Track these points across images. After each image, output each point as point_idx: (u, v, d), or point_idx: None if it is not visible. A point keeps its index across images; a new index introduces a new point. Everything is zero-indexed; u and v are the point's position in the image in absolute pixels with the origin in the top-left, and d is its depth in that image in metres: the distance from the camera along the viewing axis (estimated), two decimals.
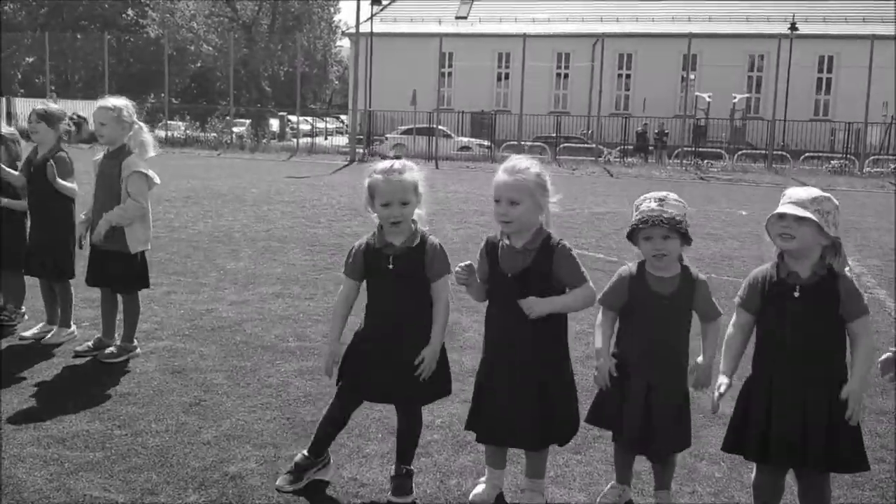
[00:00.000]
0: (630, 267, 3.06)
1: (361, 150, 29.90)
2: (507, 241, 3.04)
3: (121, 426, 3.72)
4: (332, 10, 47.17)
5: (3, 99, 35.29)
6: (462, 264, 3.03)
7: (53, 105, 5.28)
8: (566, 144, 32.32)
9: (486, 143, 33.55)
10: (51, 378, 4.39)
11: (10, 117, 33.53)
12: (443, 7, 49.53)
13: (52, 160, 4.84)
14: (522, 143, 31.15)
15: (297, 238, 9.59)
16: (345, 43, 58.36)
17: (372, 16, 38.64)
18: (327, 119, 53.25)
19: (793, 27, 34.79)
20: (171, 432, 3.67)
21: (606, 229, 11.50)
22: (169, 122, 37.90)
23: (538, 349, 2.98)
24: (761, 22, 43.80)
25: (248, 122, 39.71)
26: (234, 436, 3.66)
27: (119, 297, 4.84)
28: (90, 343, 4.85)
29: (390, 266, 3.06)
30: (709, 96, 36.93)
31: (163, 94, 57.49)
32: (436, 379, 3.15)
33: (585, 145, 32.51)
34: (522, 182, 2.94)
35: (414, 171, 3.12)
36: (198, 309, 5.99)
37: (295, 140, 33.57)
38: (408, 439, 3.24)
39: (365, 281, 3.17)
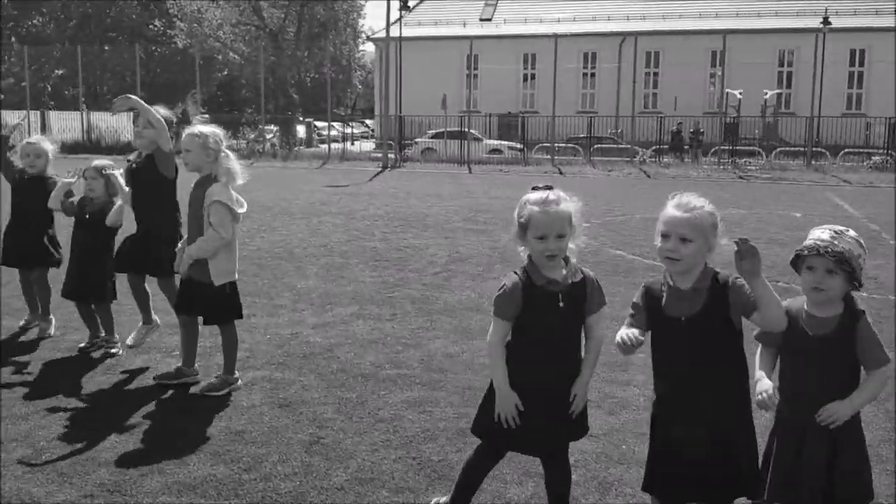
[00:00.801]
0: (791, 301, 2.86)
1: (393, 156, 29.78)
2: (670, 282, 2.85)
3: (247, 469, 3.59)
4: (357, 15, 47.12)
5: (39, 112, 35.58)
6: (631, 335, 2.77)
7: (163, 109, 5.20)
8: (599, 145, 31.98)
9: (517, 145, 33.32)
10: (156, 414, 4.27)
11: (45, 130, 33.83)
12: (467, 10, 49.39)
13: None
14: (556, 144, 30.91)
15: (358, 252, 9.46)
16: (368, 48, 58.44)
17: (399, 19, 38.51)
18: (353, 124, 53.29)
19: (825, 21, 34.21)
20: (300, 476, 3.53)
21: None
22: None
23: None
24: (791, 17, 43.22)
25: (275, 129, 39.79)
26: (366, 479, 3.52)
27: (199, 326, 4.80)
28: (172, 371, 4.78)
29: (560, 304, 2.89)
30: (740, 93, 36.44)
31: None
32: (581, 417, 2.99)
33: (618, 146, 32.18)
34: (697, 220, 2.76)
35: (569, 202, 2.95)
36: (282, 333, 5.87)
37: (326, 147, 33.54)
38: (565, 487, 3.07)
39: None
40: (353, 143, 42.80)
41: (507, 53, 45.91)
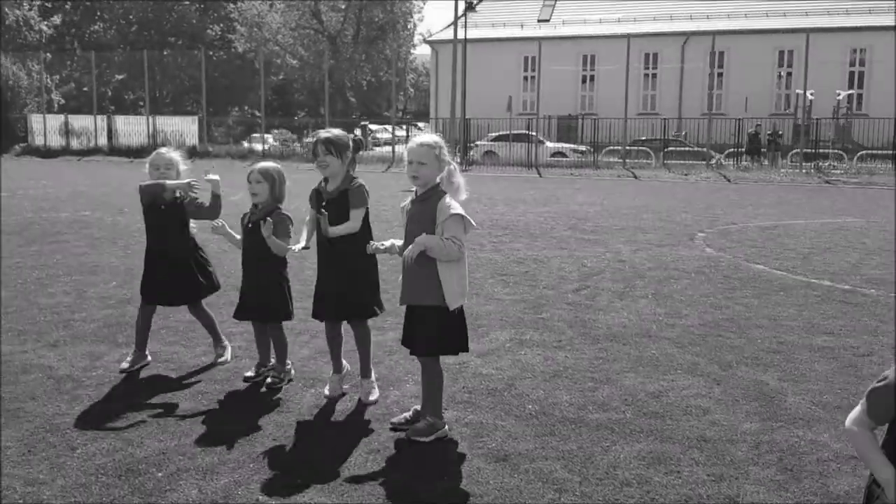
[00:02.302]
0: None
1: (459, 160, 29.20)
2: None
3: None
4: (415, 18, 46.76)
5: (105, 117, 35.80)
6: None
7: (337, 130, 4.63)
8: (671, 148, 30.98)
9: (580, 147, 32.49)
10: (367, 465, 3.68)
11: (112, 136, 34.02)
12: (524, 11, 48.69)
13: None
14: (627, 147, 30.01)
15: (480, 265, 8.81)
16: (419, 50, 58.04)
17: (456, 20, 37.92)
18: (404, 127, 52.95)
19: None
20: None
21: (798, 246, 10.40)
22: (255, 135, 38.02)
23: None
24: (863, 14, 41.66)
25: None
26: None
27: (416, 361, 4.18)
28: (407, 415, 4.18)
29: None
30: (811, 93, 35.10)
31: (246, 107, 58.32)
32: None
33: (689, 148, 31.16)
34: None
35: None
36: (448, 362, 5.22)
37: (389, 150, 33.18)
38: None
39: None
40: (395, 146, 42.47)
41: (566, 54, 45.04)
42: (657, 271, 8.55)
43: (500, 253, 9.74)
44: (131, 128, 34.25)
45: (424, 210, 3.91)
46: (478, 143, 33.58)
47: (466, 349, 4.09)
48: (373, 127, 45.58)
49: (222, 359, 5.21)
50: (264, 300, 4.75)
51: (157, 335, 5.60)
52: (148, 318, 5.11)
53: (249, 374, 4.88)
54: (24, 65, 38.25)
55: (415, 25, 47.07)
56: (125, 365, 5.00)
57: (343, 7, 41.77)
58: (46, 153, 33.53)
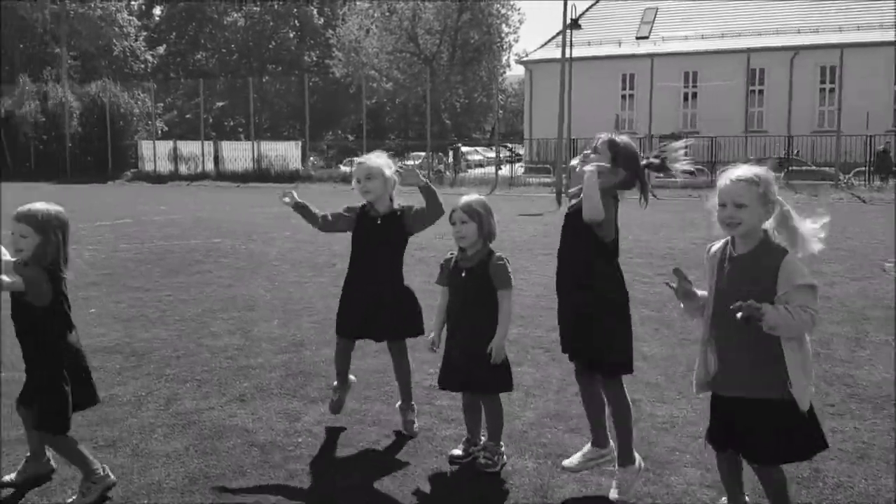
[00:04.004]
0: None
1: (565, 181, 28.26)
2: None
3: None
4: (510, 38, 46.29)
5: (211, 143, 36.48)
6: None
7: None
8: (793, 168, 29.24)
9: (690, 168, 31.05)
10: None
11: (218, 161, 34.57)
12: (622, 28, 47.58)
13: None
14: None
15: (642, 300, 7.89)
16: (509, 72, 57.51)
17: (564, 37, 37.17)
18: (496, 148, 52.42)
19: None
20: None
21: None
22: (349, 159, 38.08)
23: None
24: None
25: (423, 154, 39.32)
26: None
27: None
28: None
29: None
30: None
31: (339, 131, 58.93)
32: None
33: (811, 168, 29.36)
34: None
35: None
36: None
37: (491, 171, 32.62)
38: None
39: None
40: (499, 168, 41.88)
41: (668, 71, 43.64)
42: (877, 310, 7.44)
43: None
44: (236, 153, 34.71)
45: (750, 269, 2.98)
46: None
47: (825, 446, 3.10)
48: (465, 149, 45.18)
49: (416, 427, 4.42)
50: (481, 365, 3.81)
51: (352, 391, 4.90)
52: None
53: (457, 452, 4.03)
54: (132, 93, 39.47)
55: (510, 46, 46.55)
56: (335, 404, 4.46)
57: (440, 30, 41.60)
58: (156, 178, 34.28)
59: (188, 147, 35.83)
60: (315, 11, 56.61)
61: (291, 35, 52.72)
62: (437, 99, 42.46)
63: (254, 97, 37.83)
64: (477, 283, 3.80)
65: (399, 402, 4.47)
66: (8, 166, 37.05)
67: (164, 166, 35.53)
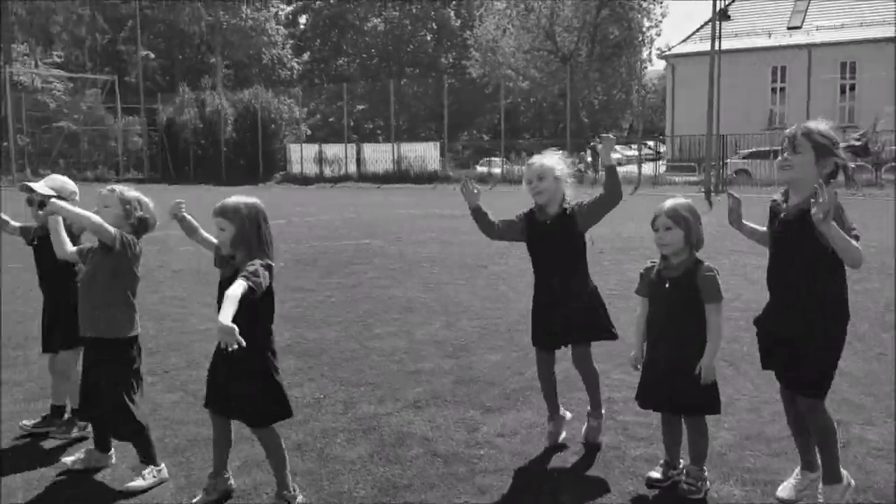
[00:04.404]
0: None
1: (714, 180, 26.99)
2: None
3: None
4: (652, 33, 44.89)
5: (354, 145, 37.57)
6: None
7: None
8: None
9: (852, 164, 28.88)
10: None
11: (360, 163, 35.57)
12: (772, 18, 45.01)
13: None
14: None
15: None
16: (653, 66, 55.69)
17: (714, 29, 35.64)
18: (634, 146, 50.98)
19: None
20: None
21: None
22: (486, 159, 38.06)
23: None
24: None
25: (560, 153, 38.76)
26: None
27: None
28: None
29: None
30: None
31: (474, 132, 59.21)
32: None
33: None
34: None
35: None
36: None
37: (636, 170, 31.77)
38: None
39: None
40: (640, 166, 40.71)
41: (823, 63, 40.90)
42: None
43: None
44: (377, 155, 35.57)
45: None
46: (727, 160, 31.12)
47: None
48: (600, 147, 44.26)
49: (600, 438, 4.19)
50: (688, 383, 3.52)
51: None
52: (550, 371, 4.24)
53: (655, 475, 3.71)
54: (280, 99, 41.25)
55: (652, 40, 45.14)
56: (551, 435, 4.19)
57: (578, 26, 40.86)
58: (303, 180, 35.66)
59: (332, 150, 37.08)
60: (452, 13, 57.25)
61: (429, 38, 53.51)
62: (574, 97, 41.79)
63: (392, 99, 38.58)
64: (683, 295, 3.51)
65: (588, 409, 4.27)
66: (170, 171, 39.66)
67: (310, 168, 36.90)
